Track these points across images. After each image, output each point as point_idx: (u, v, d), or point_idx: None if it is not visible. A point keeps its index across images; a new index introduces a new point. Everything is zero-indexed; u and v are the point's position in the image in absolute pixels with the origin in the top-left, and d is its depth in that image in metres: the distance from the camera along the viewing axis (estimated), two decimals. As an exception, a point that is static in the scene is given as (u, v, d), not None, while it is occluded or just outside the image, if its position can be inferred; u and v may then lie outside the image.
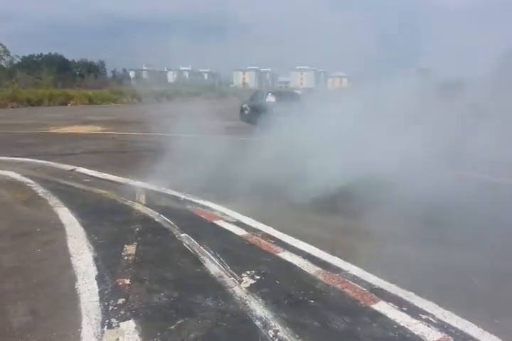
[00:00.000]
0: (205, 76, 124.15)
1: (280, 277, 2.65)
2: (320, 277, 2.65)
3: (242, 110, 14.95)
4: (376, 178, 4.70)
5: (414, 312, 2.26)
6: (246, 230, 3.50)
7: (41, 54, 76.39)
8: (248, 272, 2.70)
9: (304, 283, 2.58)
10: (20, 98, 24.89)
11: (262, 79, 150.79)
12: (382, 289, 2.51)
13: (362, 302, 2.35)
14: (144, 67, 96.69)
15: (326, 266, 2.82)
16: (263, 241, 3.26)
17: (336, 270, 2.76)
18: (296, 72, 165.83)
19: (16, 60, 44.65)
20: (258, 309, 2.25)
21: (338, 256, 2.97)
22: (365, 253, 3.09)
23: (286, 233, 3.41)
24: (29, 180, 5.15)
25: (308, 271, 2.73)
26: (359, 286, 2.54)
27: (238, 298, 2.37)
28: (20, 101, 24.66)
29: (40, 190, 4.66)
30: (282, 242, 3.23)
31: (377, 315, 2.23)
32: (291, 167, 5.14)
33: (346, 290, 2.49)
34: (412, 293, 2.45)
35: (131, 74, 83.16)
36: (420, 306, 2.32)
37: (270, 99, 14.22)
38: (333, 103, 7.36)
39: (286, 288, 2.50)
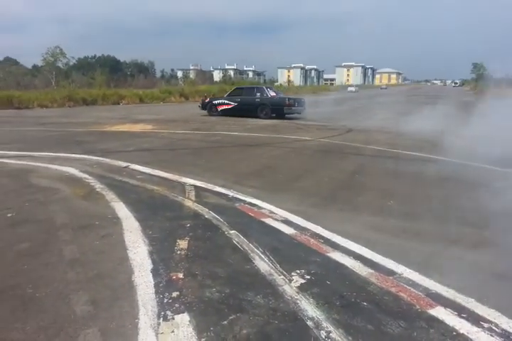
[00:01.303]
0: (250, 74, 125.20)
1: (331, 277, 2.62)
2: (372, 279, 2.59)
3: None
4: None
5: (474, 319, 2.14)
6: (294, 229, 3.48)
7: (95, 55, 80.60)
8: (298, 271, 2.69)
9: (356, 284, 2.53)
10: (76, 98, 26.30)
11: (307, 76, 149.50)
12: (439, 294, 2.41)
13: (418, 307, 2.27)
14: (191, 67, 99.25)
15: (379, 268, 2.75)
16: (312, 240, 3.23)
17: (390, 272, 2.68)
18: (341, 68, 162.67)
19: (72, 62, 47.15)
20: (309, 309, 2.23)
21: (392, 258, 2.88)
22: (420, 256, 2.98)
23: (336, 233, 3.36)
24: (87, 176, 5.44)
25: (359, 273, 2.67)
26: (414, 290, 2.45)
27: (289, 297, 2.36)
28: (76, 100, 26.05)
29: (97, 186, 4.91)
30: (332, 242, 3.18)
31: (435, 321, 2.14)
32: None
33: (401, 293, 2.41)
34: (472, 300, 2.33)
35: (179, 73, 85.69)
36: (481, 313, 2.20)
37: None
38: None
39: (337, 289, 2.46)
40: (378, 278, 2.61)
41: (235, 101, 16.18)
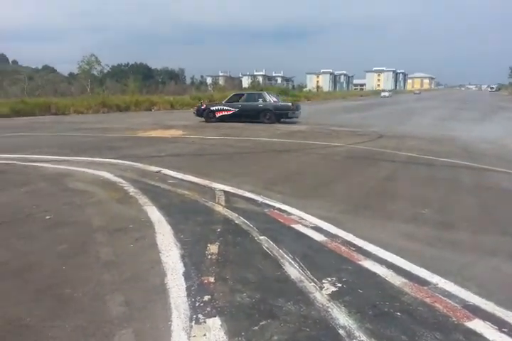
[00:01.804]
0: (279, 80, 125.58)
1: (363, 286, 2.58)
2: (406, 289, 2.53)
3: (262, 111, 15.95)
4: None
5: (516, 334, 2.05)
6: (325, 235, 3.45)
7: (128, 63, 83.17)
8: (329, 279, 2.67)
9: (389, 294, 2.48)
10: (109, 104, 27.17)
11: (337, 81, 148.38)
12: (477, 306, 2.33)
13: (454, 319, 2.20)
14: (220, 74, 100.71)
15: (413, 277, 2.68)
16: (343, 247, 3.20)
17: (424, 282, 2.61)
18: (372, 73, 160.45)
19: (106, 69, 48.72)
20: (341, 317, 2.21)
21: (426, 268, 2.81)
22: (455, 266, 2.89)
23: (368, 241, 3.31)
24: (121, 180, 5.60)
25: (393, 282, 2.62)
26: (450, 301, 2.38)
27: (320, 305, 2.34)
28: (109, 106, 26.91)
29: (131, 190, 5.05)
30: (364, 250, 3.14)
31: (473, 334, 2.06)
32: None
33: (436, 304, 2.34)
34: (512, 313, 2.23)
35: (208, 80, 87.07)
36: (523, 328, 2.10)
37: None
38: None
39: (369, 298, 2.42)
40: (412, 287, 2.55)
41: (235, 107, 16.37)
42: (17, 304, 2.39)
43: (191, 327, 2.13)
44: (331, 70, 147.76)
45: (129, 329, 2.12)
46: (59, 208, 4.32)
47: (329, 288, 2.54)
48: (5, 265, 2.94)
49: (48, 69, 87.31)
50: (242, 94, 17.66)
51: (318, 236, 3.43)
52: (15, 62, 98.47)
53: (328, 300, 2.40)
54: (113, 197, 4.79)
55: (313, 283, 2.60)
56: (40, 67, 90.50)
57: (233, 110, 16.31)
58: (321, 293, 2.48)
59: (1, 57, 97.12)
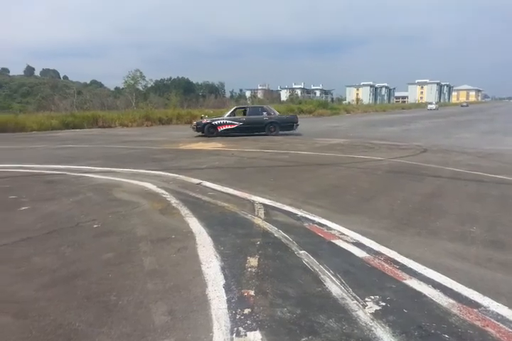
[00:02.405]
0: (317, 93, 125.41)
1: (408, 306, 2.48)
2: (454, 310, 2.41)
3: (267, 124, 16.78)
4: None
5: None
6: (367, 252, 3.37)
7: (170, 77, 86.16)
8: (372, 297, 2.59)
9: (436, 315, 2.37)
10: (152, 117, 28.21)
11: (377, 94, 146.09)
12: (534, 333, 2.17)
13: (509, 346, 2.06)
14: (259, 87, 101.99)
15: (461, 298, 2.56)
16: (386, 265, 3.10)
17: (474, 305, 2.48)
18: (414, 85, 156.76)
19: (150, 84, 50.50)
20: (385, 337, 2.14)
21: (475, 289, 2.67)
22: (508, 288, 2.73)
23: (413, 259, 3.20)
24: (164, 191, 5.77)
25: (440, 303, 2.51)
26: (504, 326, 2.24)
27: (363, 323, 2.28)
28: (153, 120, 27.94)
29: (173, 201, 5.18)
30: (408, 268, 3.03)
31: (530, 364, 1.93)
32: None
33: (488, 328, 2.21)
34: None
35: (247, 93, 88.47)
36: None
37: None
38: None
39: (415, 319, 2.33)
40: (461, 309, 2.43)
41: (239, 121, 16.62)
42: (67, 309, 2.50)
43: (232, 339, 2.13)
44: (371, 83, 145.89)
45: (171, 338, 2.16)
46: (106, 217, 4.50)
47: (372, 306, 2.47)
48: (56, 272, 3.08)
49: (96, 84, 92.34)
50: (245, 108, 17.88)
51: (359, 253, 3.35)
52: (65, 77, 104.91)
53: (371, 318, 2.33)
54: (156, 207, 4.93)
55: (355, 301, 2.54)
56: (88, 81, 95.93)
57: (237, 124, 16.57)
58: (364, 311, 2.42)
59: (53, 73, 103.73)
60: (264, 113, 17.09)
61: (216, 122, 16.68)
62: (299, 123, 17.49)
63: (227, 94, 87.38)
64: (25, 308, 2.52)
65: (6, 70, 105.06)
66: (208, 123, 16.64)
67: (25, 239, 3.83)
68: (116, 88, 62.34)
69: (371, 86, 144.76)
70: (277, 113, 17.80)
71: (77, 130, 22.71)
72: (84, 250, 3.54)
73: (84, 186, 6.30)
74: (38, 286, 2.83)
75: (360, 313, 2.39)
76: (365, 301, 2.53)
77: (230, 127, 16.57)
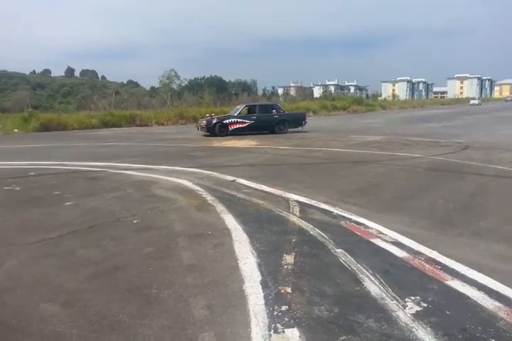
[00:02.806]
0: (352, 89, 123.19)
1: (451, 308, 2.40)
2: (501, 314, 2.31)
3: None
4: None
5: None
6: (407, 252, 3.29)
7: (203, 76, 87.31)
8: (412, 298, 2.53)
9: (481, 318, 2.28)
10: (187, 116, 28.73)
11: (414, 89, 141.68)
12: None
13: (562, 353, 1.96)
14: (291, 84, 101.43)
15: (509, 302, 2.44)
16: (427, 265, 3.01)
17: (523, 309, 2.37)
18: (454, 80, 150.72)
19: (184, 83, 51.35)
20: (427, 339, 2.08)
21: (524, 293, 2.54)
22: (561, 293, 2.58)
23: (455, 259, 3.09)
24: (199, 188, 5.86)
25: (485, 305, 2.41)
26: (557, 333, 2.12)
27: (403, 324, 2.23)
28: (187, 118, 28.44)
29: (208, 198, 5.26)
30: (451, 269, 2.93)
31: None
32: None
33: (539, 335, 2.11)
34: None
35: (280, 90, 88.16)
36: None
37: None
38: None
39: (459, 321, 2.25)
40: (509, 313, 2.32)
41: (249, 119, 16.21)
42: (110, 301, 2.60)
43: (270, 335, 2.14)
44: (408, 78, 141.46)
45: (210, 332, 2.20)
46: (145, 213, 4.63)
47: (413, 307, 2.41)
48: (99, 264, 3.21)
49: (132, 84, 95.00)
50: (255, 106, 17.32)
51: (399, 252, 3.28)
52: (103, 77, 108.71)
53: (412, 319, 2.27)
54: (192, 204, 5.02)
55: (395, 301, 2.48)
56: (125, 81, 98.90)
57: (248, 122, 16.15)
58: (405, 311, 2.36)
59: (92, 74, 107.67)
60: (274, 111, 16.87)
61: (227, 121, 16.10)
62: (307, 120, 17.64)
63: (260, 92, 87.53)
64: (72, 299, 2.64)
65: (47, 71, 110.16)
66: (218, 122, 15.97)
67: (70, 232, 4.00)
68: (152, 87, 63.84)
69: (408, 81, 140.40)
70: (285, 111, 17.77)
71: (116, 128, 23.47)
72: (125, 244, 3.66)
73: (124, 182, 6.51)
74: (83, 278, 2.96)
75: (401, 314, 2.34)
76: (406, 302, 2.47)
77: (240, 126, 16.10)
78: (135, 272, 3.05)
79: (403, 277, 2.84)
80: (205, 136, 16.21)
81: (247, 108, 17.16)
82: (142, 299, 2.61)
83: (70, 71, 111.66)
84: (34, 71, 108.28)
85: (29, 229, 4.18)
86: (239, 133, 16.15)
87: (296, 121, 17.21)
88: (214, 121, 15.98)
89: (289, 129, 16.93)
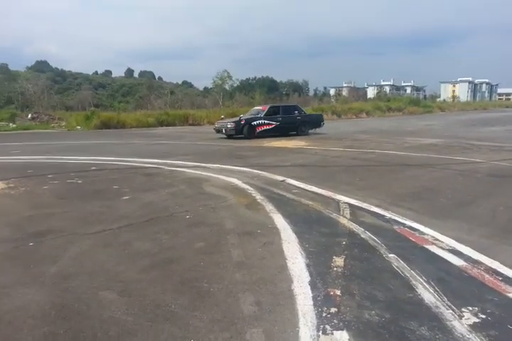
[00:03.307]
0: (408, 90, 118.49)
1: (513, 322, 2.26)
2: None
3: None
4: None
5: None
6: (464, 260, 3.13)
7: (255, 77, 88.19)
8: (470, 308, 2.41)
9: (548, 335, 2.13)
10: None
11: (477, 90, 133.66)
12: None
13: None
14: (344, 84, 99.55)
15: None
16: (487, 276, 2.85)
17: None
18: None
19: (236, 83, 52.18)
20: (486, 353, 1.98)
21: None
22: None
23: (519, 271, 2.90)
24: (249, 187, 5.94)
25: (552, 322, 2.24)
26: None
27: (459, 335, 2.13)
28: (234, 118, 28.83)
29: (258, 197, 5.32)
30: (513, 281, 2.76)
31: None
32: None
33: None
34: None
35: (332, 91, 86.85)
36: None
37: None
38: None
39: (522, 337, 2.12)
40: None
41: (276, 121, 15.60)
42: (164, 292, 2.72)
43: (319, 336, 2.14)
44: (470, 78, 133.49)
45: (259, 328, 2.23)
46: (197, 209, 4.78)
47: (470, 318, 2.30)
48: (154, 256, 3.36)
49: (186, 84, 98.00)
50: (278, 107, 16.66)
51: (456, 261, 3.13)
52: (160, 78, 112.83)
53: (469, 331, 2.17)
54: (242, 202, 5.11)
55: (450, 310, 2.38)
56: (180, 82, 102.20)
57: (274, 124, 15.52)
58: (461, 322, 2.26)
59: (150, 75, 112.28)
60: (296, 112, 16.59)
61: (255, 122, 15.26)
62: (324, 122, 17.79)
63: (311, 92, 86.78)
64: (128, 287, 2.80)
65: (109, 72, 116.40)
66: (246, 124, 15.05)
67: (127, 225, 4.23)
68: (205, 88, 65.52)
69: (470, 82, 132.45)
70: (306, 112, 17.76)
71: (170, 127, 24.33)
72: (178, 238, 3.80)
73: (177, 179, 6.76)
74: (139, 268, 3.12)
75: (456, 324, 2.24)
76: (462, 312, 2.36)
77: (268, 127, 15.43)
78: (187, 265, 3.16)
79: (460, 286, 2.71)
80: (222, 138, 15.40)
81: (271, 109, 16.16)
82: (194, 292, 2.70)
83: (129, 72, 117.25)
84: (96, 72, 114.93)
85: (90, 220, 4.46)
86: (264, 135, 15.26)
87: (316, 122, 17.28)
88: (242, 123, 15.12)
89: (321, 131, 17.13)
